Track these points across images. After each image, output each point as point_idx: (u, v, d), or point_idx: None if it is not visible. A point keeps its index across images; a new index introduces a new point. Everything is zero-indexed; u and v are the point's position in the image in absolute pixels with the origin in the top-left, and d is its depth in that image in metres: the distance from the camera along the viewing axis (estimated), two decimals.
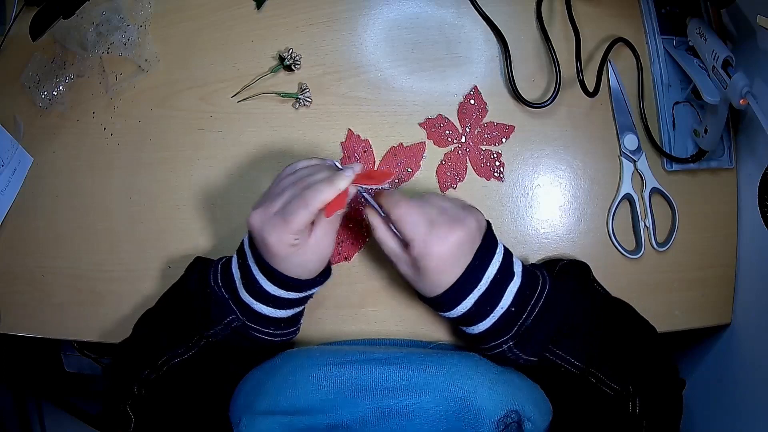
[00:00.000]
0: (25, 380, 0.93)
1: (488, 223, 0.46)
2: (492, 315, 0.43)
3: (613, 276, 0.56)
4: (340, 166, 0.46)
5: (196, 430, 0.43)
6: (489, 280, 0.43)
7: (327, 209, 0.42)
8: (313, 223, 0.43)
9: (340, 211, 0.43)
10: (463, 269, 0.42)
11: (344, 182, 0.42)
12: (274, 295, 0.44)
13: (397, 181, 0.56)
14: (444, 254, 0.41)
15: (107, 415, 0.45)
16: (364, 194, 0.45)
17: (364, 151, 0.57)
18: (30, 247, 0.60)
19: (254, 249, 0.44)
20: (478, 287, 0.43)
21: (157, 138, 0.59)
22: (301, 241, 0.42)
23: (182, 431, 0.43)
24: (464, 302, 0.43)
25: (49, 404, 0.96)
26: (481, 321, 0.43)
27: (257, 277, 0.43)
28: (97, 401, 0.98)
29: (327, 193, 0.41)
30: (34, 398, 0.96)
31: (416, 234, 0.41)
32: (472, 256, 0.43)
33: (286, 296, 0.44)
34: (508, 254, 0.45)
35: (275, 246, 0.41)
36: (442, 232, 0.41)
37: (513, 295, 0.43)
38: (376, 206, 0.45)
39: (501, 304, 0.43)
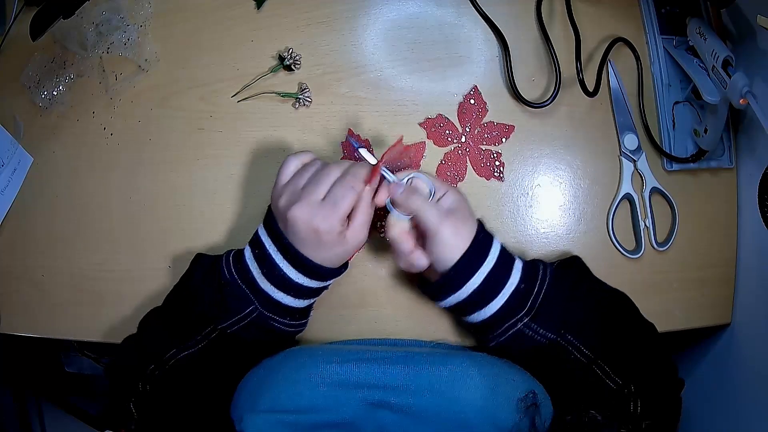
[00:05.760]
0: (25, 380, 0.93)
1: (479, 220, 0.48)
2: (502, 293, 0.44)
3: (613, 276, 0.56)
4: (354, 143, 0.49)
5: (198, 428, 0.43)
6: (496, 256, 0.44)
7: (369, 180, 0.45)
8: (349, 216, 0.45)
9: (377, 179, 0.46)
10: (469, 242, 0.44)
11: (372, 158, 0.47)
12: (298, 283, 0.45)
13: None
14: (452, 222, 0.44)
15: (110, 412, 0.46)
16: (383, 171, 0.47)
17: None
18: (30, 247, 0.60)
19: (275, 238, 0.45)
20: (486, 261, 0.44)
21: (157, 138, 0.59)
22: (344, 227, 0.44)
23: (184, 429, 0.43)
24: (474, 278, 0.44)
25: (49, 404, 0.96)
26: (492, 300, 0.44)
27: (281, 266, 0.45)
28: (97, 401, 0.98)
29: (364, 170, 0.45)
30: (34, 398, 0.96)
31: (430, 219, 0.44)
32: (475, 231, 0.45)
33: (309, 285, 0.46)
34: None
35: (326, 233, 0.43)
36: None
37: (520, 271, 0.45)
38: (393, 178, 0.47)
39: (510, 280, 0.44)
